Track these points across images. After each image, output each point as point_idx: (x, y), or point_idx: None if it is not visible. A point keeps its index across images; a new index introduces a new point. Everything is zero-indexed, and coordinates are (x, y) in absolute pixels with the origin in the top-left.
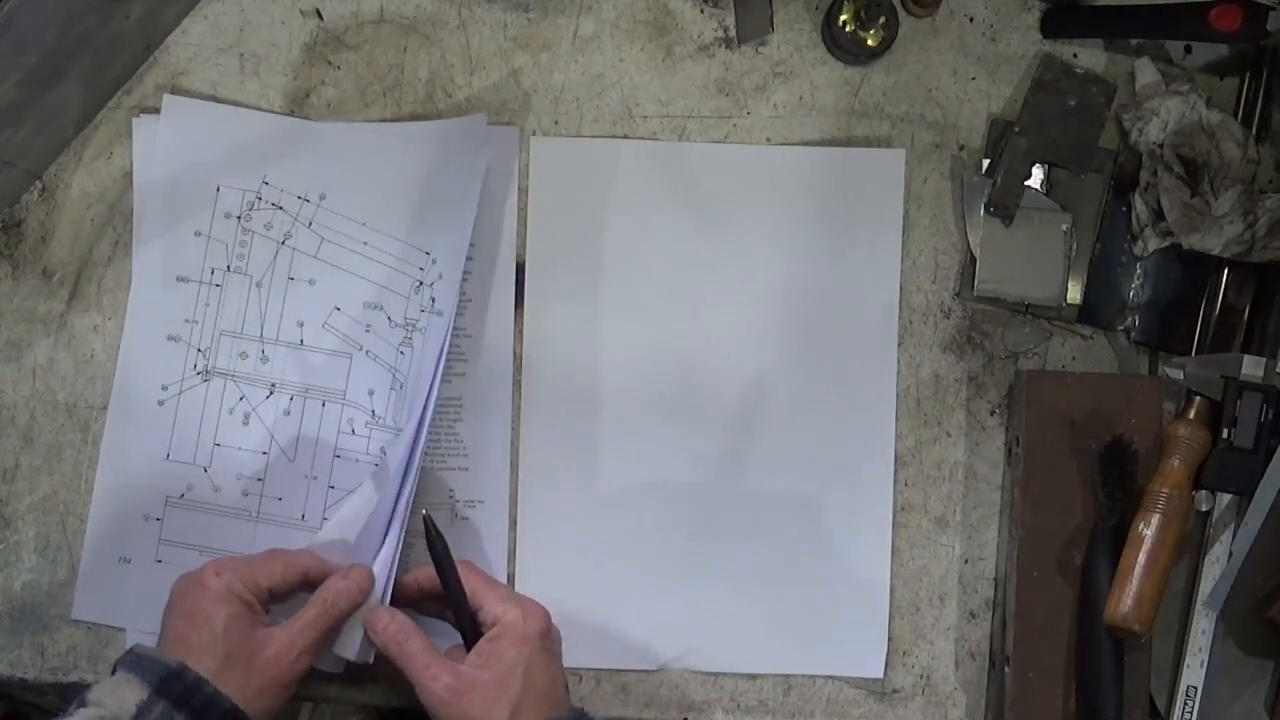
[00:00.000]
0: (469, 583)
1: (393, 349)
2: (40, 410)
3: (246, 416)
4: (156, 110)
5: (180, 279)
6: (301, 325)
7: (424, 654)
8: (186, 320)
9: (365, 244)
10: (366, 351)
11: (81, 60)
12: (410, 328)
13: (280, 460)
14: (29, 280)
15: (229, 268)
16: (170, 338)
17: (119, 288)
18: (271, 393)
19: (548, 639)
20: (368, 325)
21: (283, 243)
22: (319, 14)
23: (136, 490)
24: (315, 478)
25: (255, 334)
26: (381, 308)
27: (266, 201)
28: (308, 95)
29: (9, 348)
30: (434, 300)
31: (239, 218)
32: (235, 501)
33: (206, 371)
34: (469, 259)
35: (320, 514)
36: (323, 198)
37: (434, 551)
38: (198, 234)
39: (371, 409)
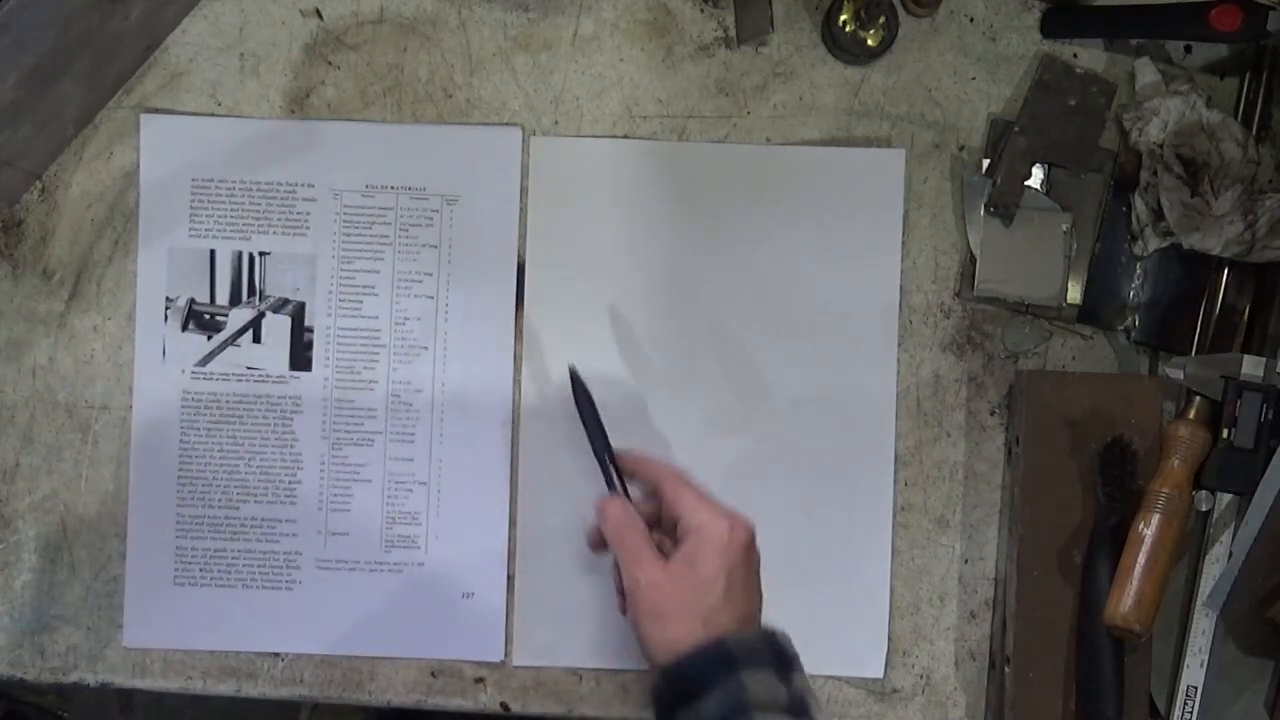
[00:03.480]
0: (677, 491)
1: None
2: (40, 410)
3: None
4: (157, 110)
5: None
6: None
7: (638, 546)
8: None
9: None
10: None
11: (81, 60)
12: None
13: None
14: (29, 280)
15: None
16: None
17: (119, 288)
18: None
19: (751, 553)
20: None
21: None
22: (319, 14)
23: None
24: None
25: None
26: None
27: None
28: (308, 95)
29: (9, 348)
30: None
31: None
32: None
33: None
34: (471, 255)
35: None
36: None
37: (578, 404)
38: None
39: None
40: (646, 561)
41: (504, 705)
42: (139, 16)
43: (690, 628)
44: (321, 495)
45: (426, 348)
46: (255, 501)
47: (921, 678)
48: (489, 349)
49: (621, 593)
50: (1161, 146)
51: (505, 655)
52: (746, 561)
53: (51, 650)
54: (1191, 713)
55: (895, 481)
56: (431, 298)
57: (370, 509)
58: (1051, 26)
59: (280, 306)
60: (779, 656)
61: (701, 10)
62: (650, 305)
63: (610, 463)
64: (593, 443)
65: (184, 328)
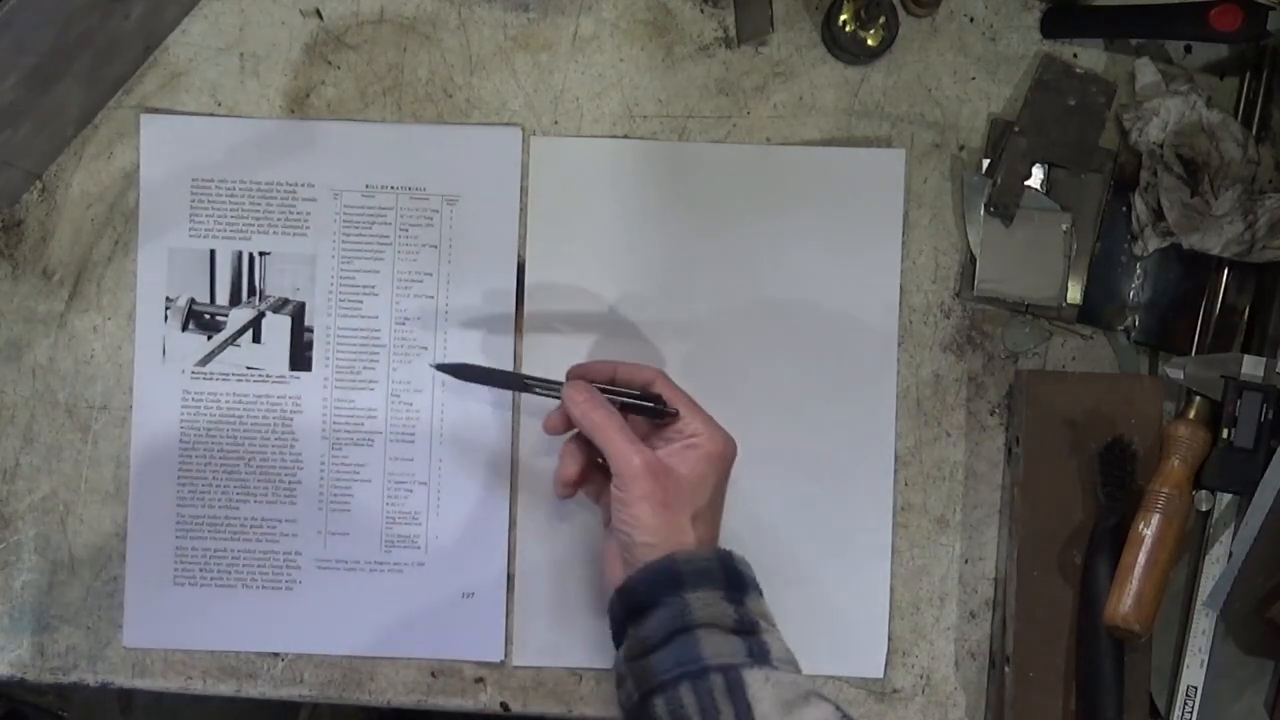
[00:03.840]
0: (673, 394)
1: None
2: (40, 410)
3: None
4: (157, 110)
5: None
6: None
7: (624, 429)
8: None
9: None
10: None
11: (81, 60)
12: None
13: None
14: (29, 280)
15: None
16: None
17: (119, 288)
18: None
19: (729, 474)
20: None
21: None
22: (319, 14)
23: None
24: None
25: None
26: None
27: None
28: (308, 95)
29: (9, 348)
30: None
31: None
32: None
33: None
34: (471, 255)
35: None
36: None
37: (472, 379)
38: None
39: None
40: (640, 444)
41: (504, 705)
42: (139, 16)
43: (684, 519)
44: (321, 495)
45: (426, 348)
46: (255, 501)
47: (921, 678)
48: (489, 349)
49: (566, 483)
50: (1161, 146)
51: (505, 655)
52: (727, 479)
53: (51, 650)
54: (1191, 713)
55: (895, 481)
56: (431, 298)
57: (370, 509)
58: (1051, 26)
59: (280, 306)
60: (731, 577)
61: (701, 10)
62: (650, 305)
63: (544, 383)
64: (511, 388)
65: (184, 328)
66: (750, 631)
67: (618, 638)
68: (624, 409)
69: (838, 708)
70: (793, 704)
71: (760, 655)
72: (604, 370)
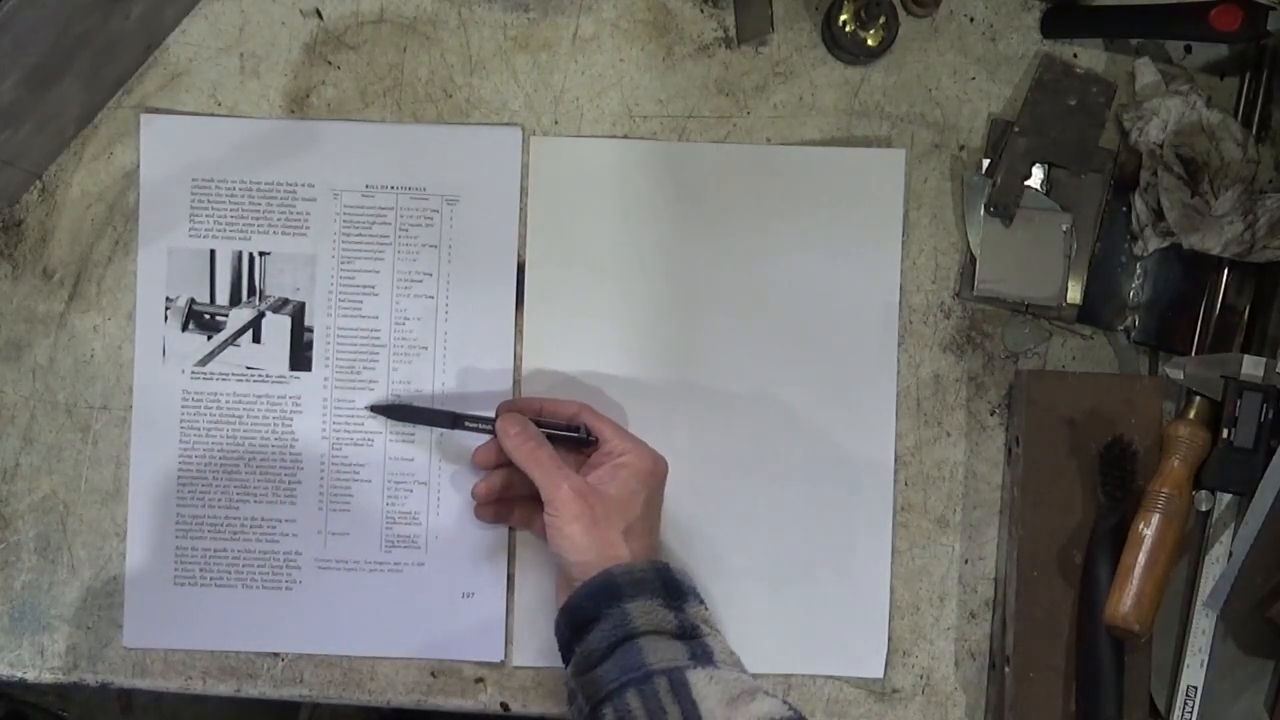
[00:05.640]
0: (598, 422)
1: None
2: (40, 410)
3: None
4: (157, 110)
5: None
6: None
7: (553, 457)
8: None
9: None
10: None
11: (81, 60)
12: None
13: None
14: (29, 280)
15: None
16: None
17: (119, 288)
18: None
19: (662, 489)
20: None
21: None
22: (319, 14)
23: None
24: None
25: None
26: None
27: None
28: (308, 95)
29: (9, 348)
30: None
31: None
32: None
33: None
34: (471, 254)
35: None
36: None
37: (404, 419)
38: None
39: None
40: (569, 470)
41: (504, 705)
42: (139, 16)
43: (615, 535)
44: (321, 495)
45: (426, 348)
46: (255, 501)
47: (921, 678)
48: (489, 349)
49: (484, 502)
50: (1161, 146)
51: (505, 655)
52: (660, 495)
53: (51, 650)
54: (1191, 713)
55: (895, 481)
56: (431, 298)
57: (370, 509)
58: (1051, 26)
59: (280, 306)
60: (669, 586)
61: (701, 10)
62: (650, 305)
63: (476, 419)
64: (445, 426)
65: (184, 328)
66: (692, 636)
67: (566, 656)
68: (551, 440)
69: (784, 701)
70: (738, 699)
71: (703, 657)
72: (531, 405)
